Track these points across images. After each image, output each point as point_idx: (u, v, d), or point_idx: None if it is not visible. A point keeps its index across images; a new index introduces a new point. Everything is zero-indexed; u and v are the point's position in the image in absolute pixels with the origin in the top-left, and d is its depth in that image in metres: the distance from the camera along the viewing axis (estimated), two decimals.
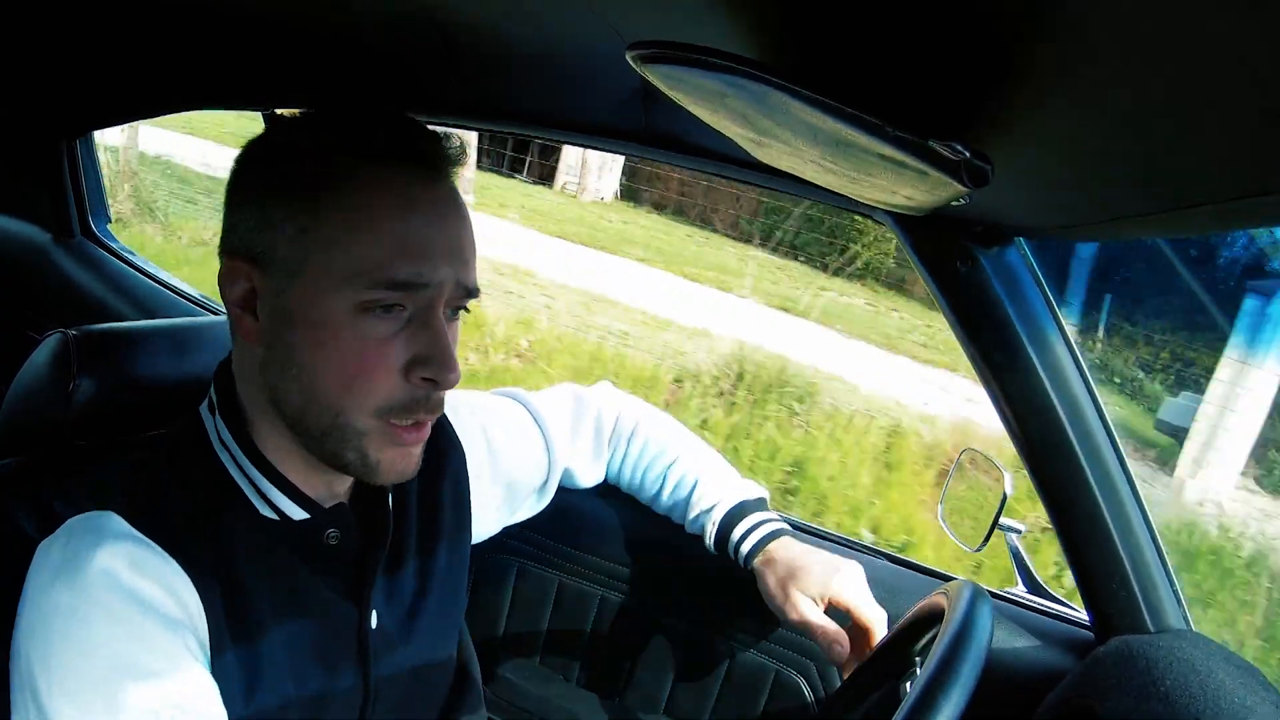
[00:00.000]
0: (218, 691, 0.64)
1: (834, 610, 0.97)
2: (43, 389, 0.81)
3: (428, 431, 0.72)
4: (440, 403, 0.70)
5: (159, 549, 0.64)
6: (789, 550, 1.01)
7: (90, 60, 1.20)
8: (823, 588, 0.97)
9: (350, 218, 0.65)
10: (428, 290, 0.66)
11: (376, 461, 0.69)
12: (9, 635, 0.62)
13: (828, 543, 1.16)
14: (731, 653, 1.15)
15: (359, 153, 0.66)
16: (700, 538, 1.09)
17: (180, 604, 0.64)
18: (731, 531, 1.05)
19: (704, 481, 1.09)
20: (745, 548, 1.03)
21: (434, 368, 0.67)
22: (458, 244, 0.69)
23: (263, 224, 0.67)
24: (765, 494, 1.10)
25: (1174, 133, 0.42)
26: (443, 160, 0.70)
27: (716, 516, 1.06)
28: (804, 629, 0.97)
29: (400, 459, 0.70)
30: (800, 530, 1.16)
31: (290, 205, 0.66)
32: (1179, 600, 0.95)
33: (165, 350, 0.89)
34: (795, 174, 0.71)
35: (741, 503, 1.06)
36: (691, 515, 1.09)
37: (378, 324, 0.66)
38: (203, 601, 0.65)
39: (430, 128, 0.71)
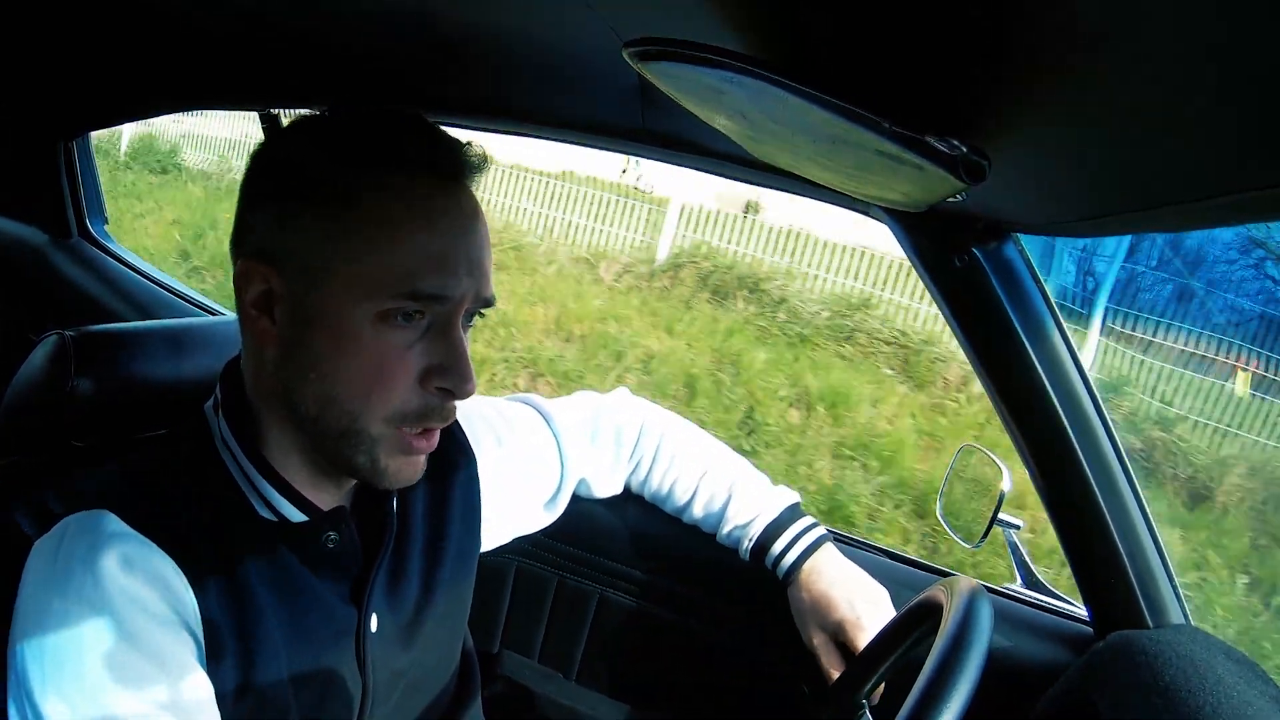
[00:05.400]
0: (212, 693, 0.64)
1: None
2: (41, 390, 0.81)
3: (436, 439, 0.72)
4: (453, 412, 0.71)
5: (155, 547, 0.64)
6: (821, 576, 1.03)
7: (87, 61, 1.19)
8: (837, 628, 1.00)
9: (375, 228, 0.65)
10: (449, 303, 0.68)
11: (385, 467, 0.70)
12: (7, 634, 0.62)
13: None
14: (728, 646, 1.15)
15: (384, 161, 0.66)
16: (731, 548, 1.10)
17: (175, 602, 0.64)
18: (770, 546, 1.05)
19: (738, 494, 1.08)
20: (785, 562, 1.04)
21: (451, 378, 0.68)
22: (479, 256, 0.69)
23: (282, 227, 0.67)
24: (798, 498, 1.09)
25: (1171, 129, 0.42)
26: (465, 169, 0.70)
27: (754, 532, 1.06)
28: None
29: (407, 466, 0.71)
30: None
31: (312, 212, 0.66)
32: (1178, 595, 0.95)
33: (163, 351, 0.89)
34: (792, 171, 0.71)
35: (779, 517, 1.06)
36: (726, 530, 1.08)
37: (398, 333, 0.67)
38: (198, 599, 0.65)
39: (453, 134, 0.71)
